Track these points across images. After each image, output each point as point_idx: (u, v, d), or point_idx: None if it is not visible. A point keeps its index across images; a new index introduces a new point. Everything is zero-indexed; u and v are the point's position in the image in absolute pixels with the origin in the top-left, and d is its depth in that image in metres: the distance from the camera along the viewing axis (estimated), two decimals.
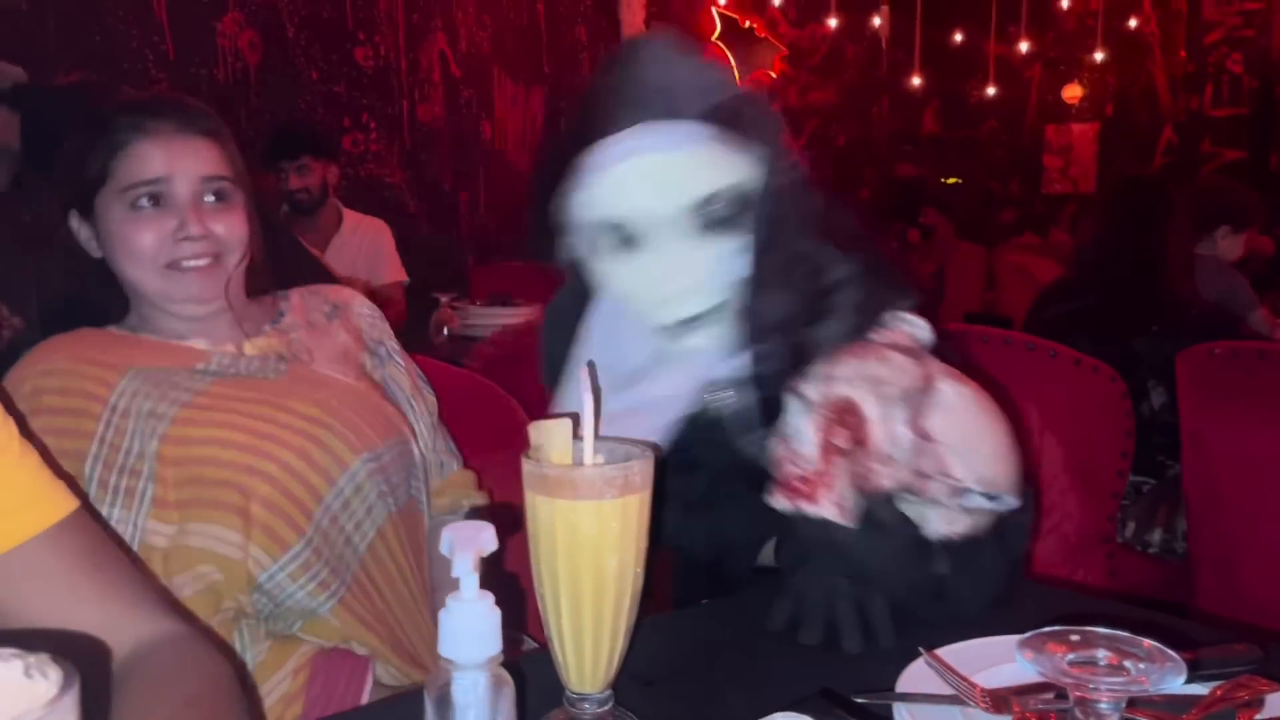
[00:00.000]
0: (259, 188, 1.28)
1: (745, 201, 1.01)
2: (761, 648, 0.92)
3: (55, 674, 0.40)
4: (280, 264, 1.32)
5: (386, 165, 5.19)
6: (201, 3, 4.33)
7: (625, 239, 1.01)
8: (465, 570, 0.59)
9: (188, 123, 1.18)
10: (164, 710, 0.70)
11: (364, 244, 3.69)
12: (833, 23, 7.67)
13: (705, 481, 1.11)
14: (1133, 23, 9.19)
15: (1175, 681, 0.51)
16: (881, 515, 0.90)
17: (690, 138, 0.98)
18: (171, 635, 0.80)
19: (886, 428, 0.86)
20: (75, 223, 1.20)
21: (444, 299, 3.39)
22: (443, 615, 0.61)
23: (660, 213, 0.99)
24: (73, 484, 0.84)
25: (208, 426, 1.10)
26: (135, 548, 1.05)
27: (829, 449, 0.87)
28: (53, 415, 1.08)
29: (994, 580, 0.98)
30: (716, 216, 1.00)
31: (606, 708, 0.75)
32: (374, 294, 3.50)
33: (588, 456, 0.74)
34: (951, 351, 1.01)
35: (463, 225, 5.71)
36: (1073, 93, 9.67)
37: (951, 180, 10.41)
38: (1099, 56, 8.96)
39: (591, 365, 0.78)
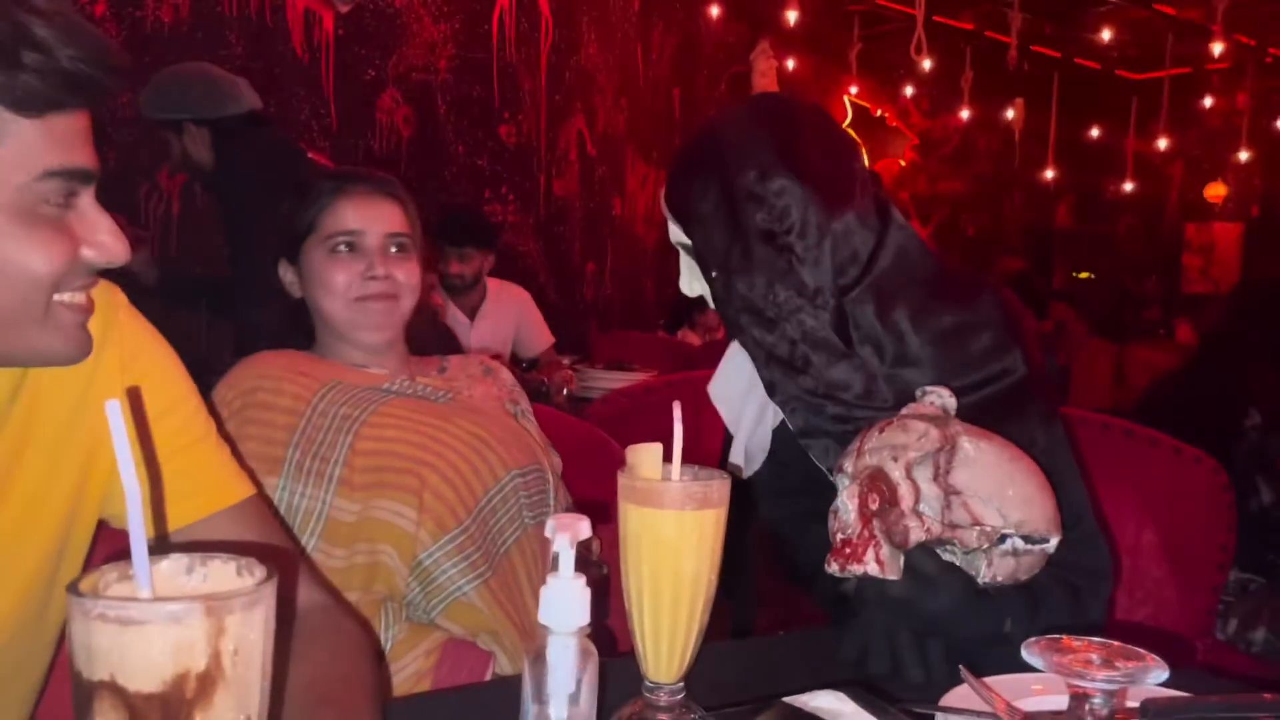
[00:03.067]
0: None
1: None
2: (820, 675, 1.01)
3: (260, 572, 0.55)
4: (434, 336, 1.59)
5: (522, 235, 5.50)
6: (363, 80, 4.73)
7: None
8: (564, 549, 0.72)
9: (378, 188, 1.44)
10: (316, 657, 0.85)
11: (508, 311, 3.95)
12: (965, 114, 7.73)
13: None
14: None
15: (1155, 677, 0.60)
16: (924, 567, 1.00)
17: None
18: (323, 603, 0.97)
19: (913, 487, 0.96)
20: (283, 270, 1.46)
21: (566, 361, 3.59)
22: (543, 589, 0.74)
23: None
24: (252, 476, 1.01)
25: (392, 429, 1.32)
26: (324, 520, 1.26)
27: (865, 513, 0.98)
28: (264, 409, 1.31)
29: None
30: None
31: (678, 697, 0.86)
32: (539, 359, 3.74)
33: (675, 475, 0.87)
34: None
35: (589, 294, 5.96)
36: (1215, 192, 9.45)
37: (1084, 275, 10.23)
38: (1244, 156, 8.77)
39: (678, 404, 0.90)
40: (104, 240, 0.81)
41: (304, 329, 1.46)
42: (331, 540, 1.26)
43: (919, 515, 0.96)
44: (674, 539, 0.83)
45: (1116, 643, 0.64)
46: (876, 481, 0.98)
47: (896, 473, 0.97)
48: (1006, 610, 1.05)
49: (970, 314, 1.17)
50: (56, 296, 0.80)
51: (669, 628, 0.85)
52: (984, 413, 1.10)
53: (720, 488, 0.85)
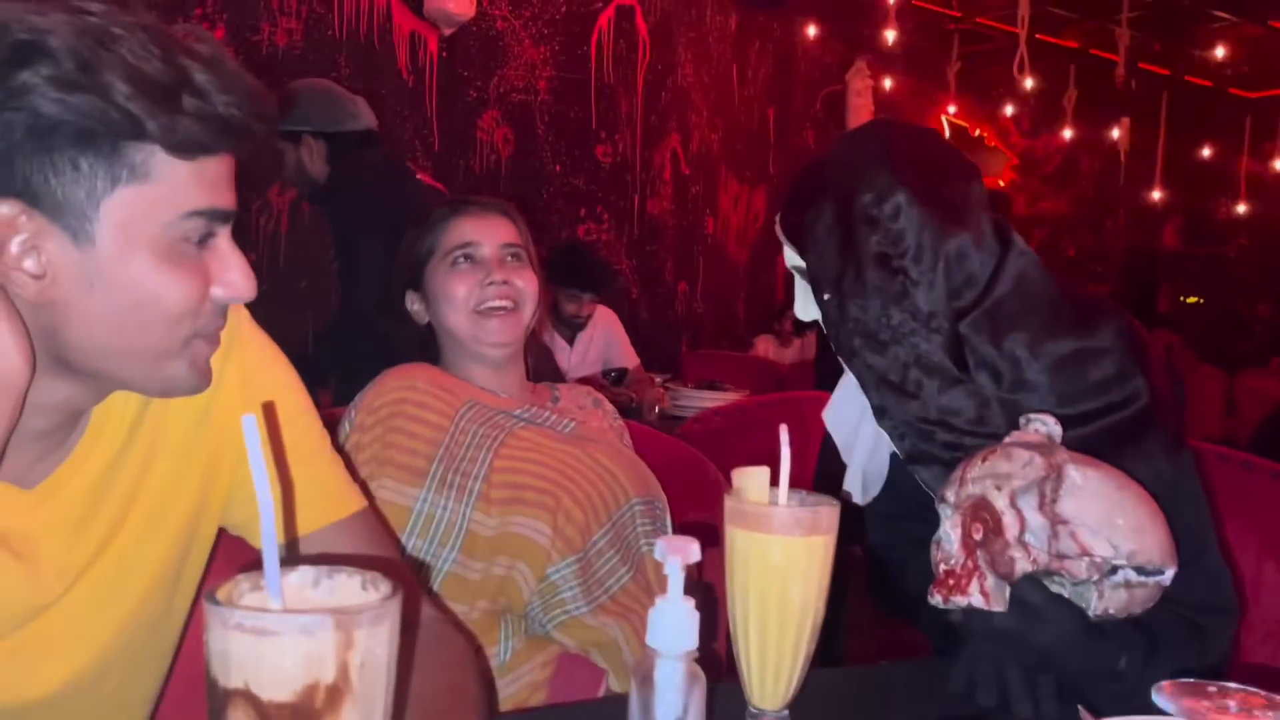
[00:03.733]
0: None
1: None
2: (927, 706, 0.99)
3: (385, 586, 0.56)
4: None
5: (615, 253, 5.53)
6: (465, 101, 4.83)
7: None
8: (674, 572, 0.72)
9: (489, 205, 1.53)
10: (424, 670, 0.86)
11: (599, 332, 4.01)
12: (1068, 133, 7.53)
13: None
14: None
15: None
16: (1031, 598, 0.97)
17: None
18: (432, 617, 0.98)
19: (1018, 516, 0.94)
20: (410, 300, 1.53)
21: (658, 380, 3.59)
22: (651, 612, 0.74)
23: None
24: (365, 489, 1.04)
25: (528, 451, 1.38)
26: (464, 533, 1.31)
27: (969, 543, 0.96)
28: (409, 420, 1.35)
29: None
30: None
31: None
32: (628, 373, 3.76)
33: (782, 499, 0.86)
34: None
35: (680, 312, 5.97)
36: None
37: (1192, 299, 9.85)
38: None
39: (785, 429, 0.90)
40: (234, 279, 0.83)
41: (427, 355, 1.51)
42: (470, 553, 1.30)
43: (1024, 545, 0.93)
44: (782, 565, 0.83)
45: (1257, 690, 0.61)
46: (980, 511, 0.96)
47: (1000, 502, 0.95)
48: (1121, 646, 1.02)
49: (1091, 340, 1.13)
50: (193, 332, 0.83)
51: (775, 654, 0.84)
52: (1104, 441, 1.06)
53: (829, 514, 0.84)
